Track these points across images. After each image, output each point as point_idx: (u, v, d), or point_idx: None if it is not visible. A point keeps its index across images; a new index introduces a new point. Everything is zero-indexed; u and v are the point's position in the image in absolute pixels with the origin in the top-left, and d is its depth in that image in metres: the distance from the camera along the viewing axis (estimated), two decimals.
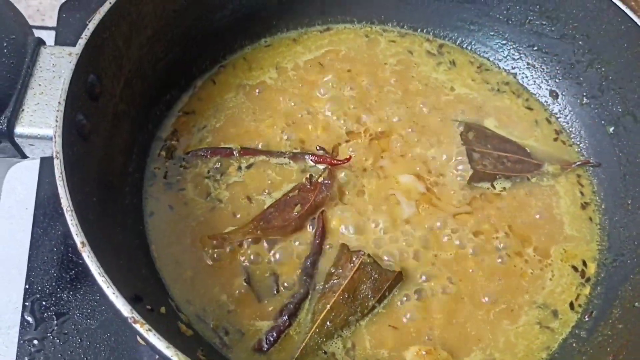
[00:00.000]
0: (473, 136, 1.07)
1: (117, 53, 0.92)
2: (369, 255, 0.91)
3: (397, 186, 1.01)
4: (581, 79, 1.10)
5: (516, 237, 0.98)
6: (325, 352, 0.86)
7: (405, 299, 0.91)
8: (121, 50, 0.93)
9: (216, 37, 1.12)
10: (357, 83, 1.13)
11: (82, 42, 0.83)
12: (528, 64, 1.17)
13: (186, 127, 1.06)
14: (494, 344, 0.89)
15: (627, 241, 0.97)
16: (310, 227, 0.95)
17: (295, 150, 1.03)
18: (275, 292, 0.90)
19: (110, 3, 0.87)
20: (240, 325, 0.87)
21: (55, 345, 0.93)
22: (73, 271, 1.00)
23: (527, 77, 1.17)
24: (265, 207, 0.96)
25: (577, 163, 1.07)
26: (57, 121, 0.77)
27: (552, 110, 1.14)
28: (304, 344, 0.85)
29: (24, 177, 1.10)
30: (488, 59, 1.20)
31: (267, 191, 0.98)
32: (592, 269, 0.98)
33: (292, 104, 1.09)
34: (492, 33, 1.18)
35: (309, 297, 0.89)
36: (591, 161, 1.07)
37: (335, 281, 0.89)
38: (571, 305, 0.94)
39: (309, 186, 0.97)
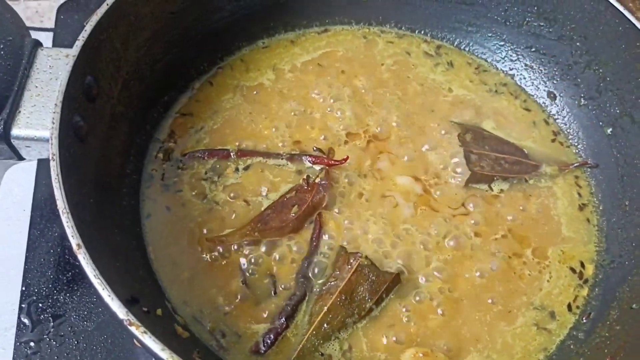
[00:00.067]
0: (470, 138, 1.07)
1: (114, 55, 0.92)
2: (366, 257, 0.90)
3: (394, 188, 1.01)
4: (579, 80, 1.10)
5: (514, 238, 0.98)
6: (322, 354, 0.86)
7: (402, 301, 0.90)
8: (119, 51, 0.93)
9: (214, 39, 1.12)
10: (354, 84, 1.13)
11: (79, 43, 0.83)
12: (526, 65, 1.17)
13: (184, 128, 1.05)
14: (492, 346, 0.89)
15: (624, 242, 0.97)
16: (308, 228, 0.95)
17: (292, 152, 1.03)
18: (273, 294, 0.90)
19: (107, 5, 0.87)
20: (237, 327, 0.87)
21: (52, 347, 0.93)
22: (70, 273, 1.00)
23: (525, 78, 1.17)
24: (263, 208, 0.96)
25: (575, 164, 1.07)
26: (53, 123, 0.77)
27: (550, 111, 1.14)
28: (301, 345, 0.85)
29: (21, 178, 1.10)
30: (486, 60, 1.20)
31: (264, 193, 0.98)
32: (589, 270, 0.98)
33: (290, 105, 1.09)
34: (490, 34, 1.18)
35: (307, 299, 0.89)
36: (589, 162, 1.07)
37: (332, 283, 0.89)
38: (569, 306, 0.94)
39: (306, 187, 0.97)
